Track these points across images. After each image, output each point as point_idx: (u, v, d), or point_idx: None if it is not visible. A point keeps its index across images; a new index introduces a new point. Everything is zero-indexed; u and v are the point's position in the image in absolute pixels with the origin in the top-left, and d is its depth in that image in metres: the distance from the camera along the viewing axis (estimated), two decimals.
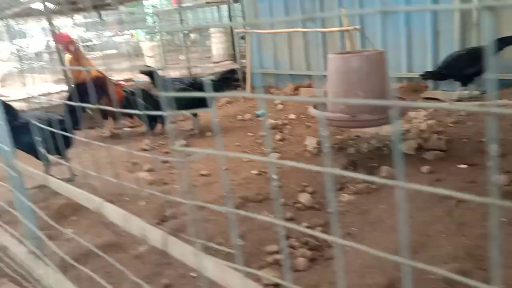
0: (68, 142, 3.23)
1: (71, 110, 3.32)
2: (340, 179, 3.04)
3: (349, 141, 3.66)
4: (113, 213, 1.24)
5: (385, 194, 2.78)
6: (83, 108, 3.15)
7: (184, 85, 4.29)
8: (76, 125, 3.28)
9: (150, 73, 4.22)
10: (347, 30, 4.25)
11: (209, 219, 2.72)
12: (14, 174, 1.72)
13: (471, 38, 4.50)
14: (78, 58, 4.08)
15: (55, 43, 4.19)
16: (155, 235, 1.12)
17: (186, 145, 4.19)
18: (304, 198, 2.80)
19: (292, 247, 2.34)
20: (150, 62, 8.05)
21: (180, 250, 1.06)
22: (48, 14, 4.56)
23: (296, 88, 5.74)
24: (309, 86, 5.66)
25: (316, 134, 3.94)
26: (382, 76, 3.22)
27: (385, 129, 3.73)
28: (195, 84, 4.31)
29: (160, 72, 4.56)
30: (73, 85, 3.49)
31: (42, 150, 1.64)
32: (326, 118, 3.37)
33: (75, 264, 1.62)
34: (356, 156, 3.36)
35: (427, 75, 4.34)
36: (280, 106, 5.04)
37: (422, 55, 4.88)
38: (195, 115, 4.43)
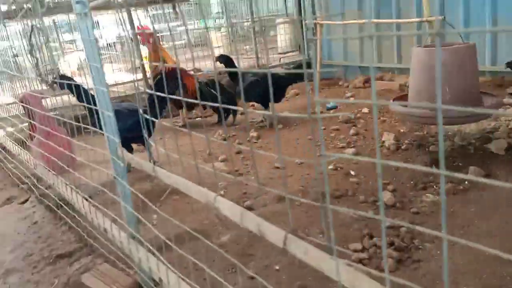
0: (150, 131, 3.37)
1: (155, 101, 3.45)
2: (422, 178, 2.93)
3: (430, 138, 3.50)
4: (228, 208, 1.26)
5: (473, 196, 2.64)
6: (166, 99, 3.27)
7: (257, 77, 4.30)
8: (159, 115, 3.41)
9: (226, 61, 4.28)
10: (428, 21, 4.05)
11: (287, 212, 2.73)
12: (119, 162, 1.81)
13: None
14: (157, 49, 4.22)
15: (136, 35, 4.35)
16: (274, 233, 1.13)
17: (257, 137, 4.22)
18: (386, 196, 2.72)
19: (376, 246, 2.30)
20: (217, 52, 8.17)
21: (303, 250, 1.06)
22: (127, 7, 4.74)
23: (366, 81, 5.59)
24: (381, 78, 5.49)
25: (393, 129, 3.82)
26: (471, 72, 3.04)
27: (468, 127, 3.54)
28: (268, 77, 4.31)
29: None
30: (154, 77, 3.63)
31: (146, 137, 1.71)
32: (406, 113, 3.26)
33: (174, 247, 1.67)
34: (437, 154, 3.22)
35: None
36: (351, 99, 4.93)
37: (508, 47, 4.56)
38: (266, 106, 4.44)
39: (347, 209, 0.92)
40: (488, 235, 2.22)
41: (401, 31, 5.32)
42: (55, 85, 2.50)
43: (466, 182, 2.80)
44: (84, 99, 2.56)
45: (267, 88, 4.23)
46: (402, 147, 3.43)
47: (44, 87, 2.61)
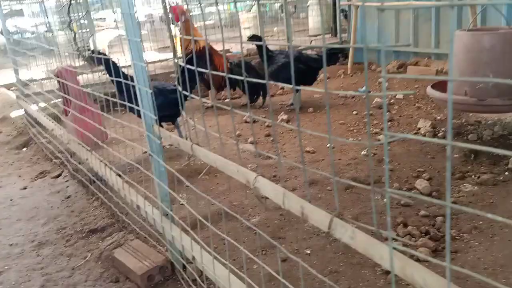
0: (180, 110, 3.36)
1: (185, 80, 3.42)
2: (460, 168, 2.82)
3: (468, 126, 3.37)
4: (270, 188, 1.23)
5: None
6: (195, 79, 3.25)
7: (289, 58, 4.22)
8: (186, 97, 3.39)
9: (259, 41, 4.21)
10: (471, 5, 3.85)
11: (319, 197, 2.69)
12: (155, 139, 1.79)
13: None
14: (188, 28, 4.18)
15: (170, 12, 4.32)
16: (319, 216, 1.09)
17: (287, 121, 4.16)
18: (421, 184, 2.63)
19: (410, 235, 2.23)
20: (247, 33, 8.09)
21: (350, 234, 1.02)
22: None
23: (400, 66, 5.42)
24: (416, 64, 5.31)
25: (429, 116, 3.69)
26: None
27: (509, 116, 3.38)
28: (300, 58, 4.22)
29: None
30: (185, 55, 3.59)
31: (182, 115, 1.68)
32: (446, 100, 3.13)
33: (211, 227, 1.65)
34: (477, 143, 3.10)
35: None
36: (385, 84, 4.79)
37: None
38: (297, 89, 4.36)
39: (406, 193, 0.86)
40: None
41: (440, 15, 5.10)
42: (91, 60, 2.50)
43: (506, 173, 2.69)
44: (119, 76, 2.56)
45: (298, 70, 4.15)
46: (439, 135, 3.32)
47: (77, 62, 2.61)
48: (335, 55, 4.34)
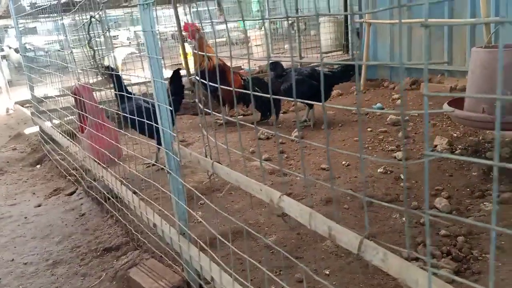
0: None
1: (173, 94, 3.42)
2: (479, 186, 2.77)
3: (485, 144, 3.32)
4: (295, 208, 1.20)
5: None
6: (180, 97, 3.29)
7: (302, 75, 4.22)
8: (176, 110, 3.39)
9: (275, 67, 4.24)
10: (485, 22, 3.84)
11: (335, 215, 2.64)
12: (174, 157, 1.77)
13: None
14: (201, 45, 4.21)
15: (183, 30, 4.37)
16: (348, 237, 1.06)
17: (301, 137, 4.13)
18: (441, 203, 2.58)
19: (432, 255, 2.17)
20: (257, 51, 8.15)
21: (381, 257, 0.98)
22: (174, 4, 4.78)
23: (413, 83, 5.39)
24: (429, 80, 5.28)
25: (445, 134, 3.65)
26: None
27: None
28: (314, 75, 4.22)
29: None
30: (198, 72, 3.62)
31: (203, 132, 1.67)
32: (463, 118, 3.09)
33: (232, 247, 1.62)
34: (495, 160, 3.04)
35: None
36: (399, 102, 4.76)
37: None
38: (310, 106, 4.35)
39: (446, 215, 0.83)
40: None
41: (453, 32, 5.10)
42: (107, 77, 2.52)
43: None
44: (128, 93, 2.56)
45: (312, 87, 4.14)
46: (456, 153, 3.27)
47: (93, 79, 2.63)
48: (349, 72, 4.33)
